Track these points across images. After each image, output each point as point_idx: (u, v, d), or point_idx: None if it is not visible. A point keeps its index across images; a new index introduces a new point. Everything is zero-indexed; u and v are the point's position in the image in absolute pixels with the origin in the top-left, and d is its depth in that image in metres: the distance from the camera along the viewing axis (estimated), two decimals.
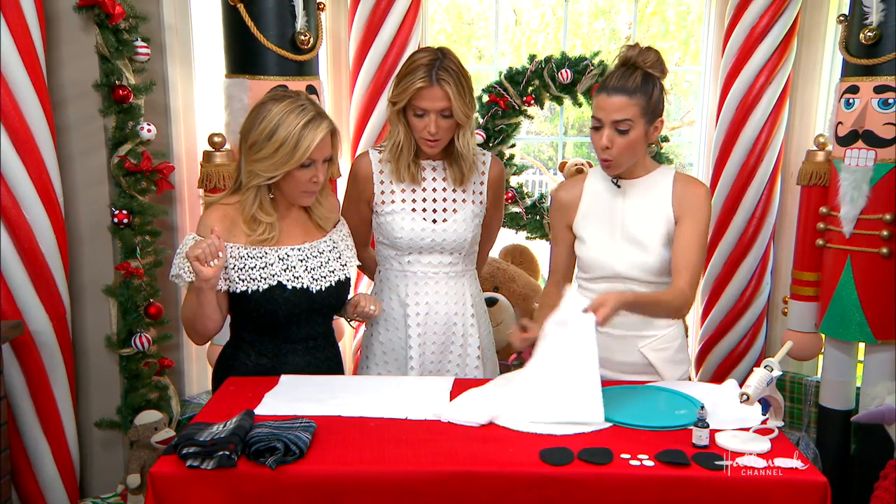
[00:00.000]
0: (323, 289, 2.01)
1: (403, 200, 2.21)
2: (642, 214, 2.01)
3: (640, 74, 1.93)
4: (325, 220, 2.09)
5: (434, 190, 2.22)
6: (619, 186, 2.05)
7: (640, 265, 1.99)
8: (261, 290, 1.94)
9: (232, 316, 2.04)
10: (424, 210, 2.21)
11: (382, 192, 2.22)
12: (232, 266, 1.93)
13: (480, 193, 2.27)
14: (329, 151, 1.95)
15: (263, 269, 1.95)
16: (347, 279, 2.10)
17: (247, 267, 1.94)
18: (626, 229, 2.02)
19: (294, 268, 1.98)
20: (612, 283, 2.01)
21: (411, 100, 2.07)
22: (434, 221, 2.20)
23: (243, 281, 1.94)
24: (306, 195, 1.97)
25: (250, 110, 1.98)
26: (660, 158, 3.19)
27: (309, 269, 2.00)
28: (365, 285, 3.14)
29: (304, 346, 2.05)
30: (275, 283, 1.95)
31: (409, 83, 2.05)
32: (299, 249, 2.01)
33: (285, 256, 1.98)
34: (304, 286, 1.98)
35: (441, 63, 2.06)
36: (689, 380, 2.14)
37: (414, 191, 2.21)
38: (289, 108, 1.88)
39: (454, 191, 2.23)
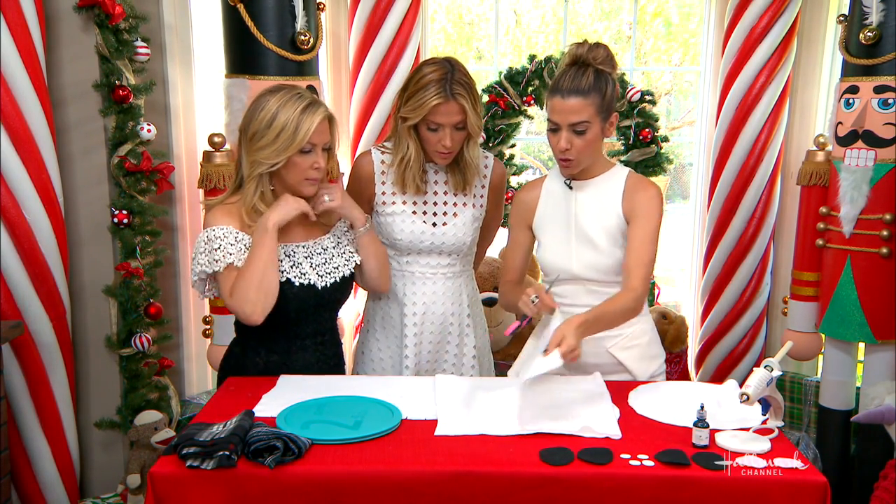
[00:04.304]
0: (328, 285, 2.03)
1: (404, 202, 2.21)
2: (594, 215, 2.01)
3: (592, 72, 1.91)
4: (326, 217, 2.10)
5: (435, 193, 2.23)
6: (571, 188, 2.04)
7: (594, 265, 1.99)
8: None
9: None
10: (425, 213, 2.21)
11: (384, 193, 2.22)
12: (242, 262, 1.93)
13: (481, 196, 2.28)
14: (328, 138, 1.97)
15: None
16: (352, 274, 2.11)
17: None
18: (580, 230, 2.02)
19: (300, 264, 1.99)
20: (572, 285, 2.02)
21: (426, 115, 2.06)
22: (434, 224, 2.21)
23: None
24: (308, 183, 1.97)
25: (248, 106, 1.99)
26: (660, 159, 3.20)
27: (314, 265, 2.01)
28: None
29: (312, 341, 2.06)
30: (283, 279, 1.96)
31: (422, 99, 2.04)
32: (304, 247, 2.02)
33: (292, 253, 2.00)
34: (311, 282, 1.99)
35: (453, 76, 2.05)
36: (666, 375, 2.14)
37: (414, 193, 2.21)
38: (286, 97, 1.92)
39: (455, 194, 2.23)
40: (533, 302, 1.82)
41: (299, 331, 2.04)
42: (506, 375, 2.33)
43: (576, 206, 2.03)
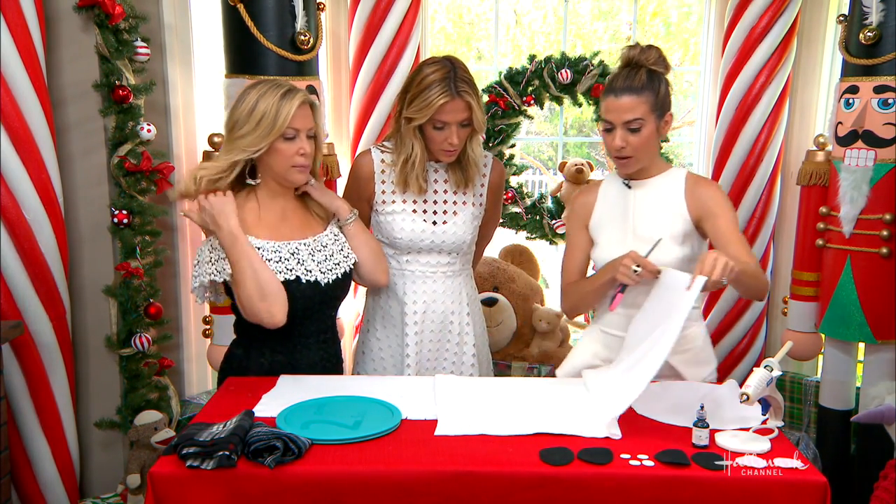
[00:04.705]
0: (331, 281, 2.03)
1: (404, 201, 2.21)
2: (653, 213, 2.02)
3: (645, 72, 1.95)
4: (319, 214, 2.11)
5: (435, 192, 2.23)
6: (629, 187, 2.06)
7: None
8: None
9: (240, 316, 2.04)
10: (425, 212, 2.22)
11: (384, 192, 2.22)
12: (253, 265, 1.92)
13: (481, 195, 2.28)
14: (311, 124, 1.98)
15: (279, 262, 1.96)
16: (351, 270, 2.11)
17: (263, 259, 1.94)
18: (637, 229, 2.03)
19: (305, 262, 1.99)
20: None
21: (433, 115, 2.07)
22: (434, 223, 2.21)
23: None
24: (297, 171, 1.97)
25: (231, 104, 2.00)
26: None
27: (317, 262, 2.01)
28: None
29: (316, 339, 2.06)
30: (292, 277, 1.96)
31: (428, 99, 2.05)
32: (306, 244, 2.02)
33: (296, 251, 1.99)
34: (316, 279, 2.00)
35: (456, 74, 2.06)
36: (717, 380, 2.12)
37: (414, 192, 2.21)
38: (265, 87, 1.94)
39: (455, 193, 2.24)
40: (635, 271, 1.82)
41: (303, 329, 2.04)
42: (505, 375, 2.32)
43: (634, 204, 2.05)
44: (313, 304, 2.01)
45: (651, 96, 1.94)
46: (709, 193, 2.01)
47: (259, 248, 1.94)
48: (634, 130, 1.94)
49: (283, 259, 1.96)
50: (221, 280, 1.93)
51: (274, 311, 1.90)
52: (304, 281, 1.97)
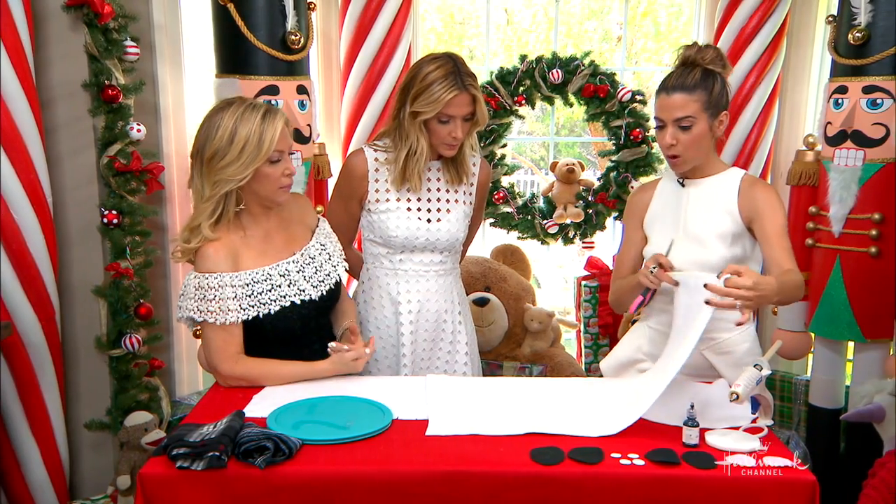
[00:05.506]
0: (324, 293, 2.02)
1: (398, 199, 2.21)
2: (704, 212, 2.02)
3: (700, 71, 1.96)
4: (303, 225, 2.08)
5: (429, 190, 2.24)
6: (683, 185, 2.07)
7: (699, 262, 1.96)
8: (272, 312, 1.93)
9: (245, 341, 1.98)
10: (419, 210, 2.22)
11: (377, 191, 2.22)
12: (234, 296, 1.89)
13: (470, 194, 2.30)
14: (291, 140, 1.96)
15: (271, 291, 1.93)
16: (341, 279, 2.11)
17: (255, 293, 1.91)
18: (688, 227, 2.03)
19: (297, 282, 1.98)
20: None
21: (441, 108, 2.08)
22: (429, 221, 2.22)
23: (254, 307, 1.91)
24: (282, 191, 1.93)
25: (198, 129, 1.92)
26: (651, 158, 3.21)
27: (307, 277, 2.00)
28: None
29: (319, 345, 2.03)
30: (287, 303, 1.94)
31: (436, 94, 2.06)
32: (294, 262, 2.00)
33: (286, 272, 1.97)
34: (310, 297, 1.99)
35: (460, 69, 2.09)
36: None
37: (409, 190, 2.22)
38: (239, 110, 1.86)
39: (447, 191, 2.25)
40: (652, 271, 1.82)
41: (306, 340, 2.03)
42: (496, 375, 2.31)
43: (687, 203, 2.05)
44: (310, 320, 2.00)
45: (703, 95, 1.94)
46: (761, 195, 1.99)
47: (252, 282, 1.91)
48: (685, 128, 1.94)
49: (274, 287, 1.94)
50: (202, 320, 1.89)
51: (232, 385, 1.93)
52: (298, 302, 1.96)
